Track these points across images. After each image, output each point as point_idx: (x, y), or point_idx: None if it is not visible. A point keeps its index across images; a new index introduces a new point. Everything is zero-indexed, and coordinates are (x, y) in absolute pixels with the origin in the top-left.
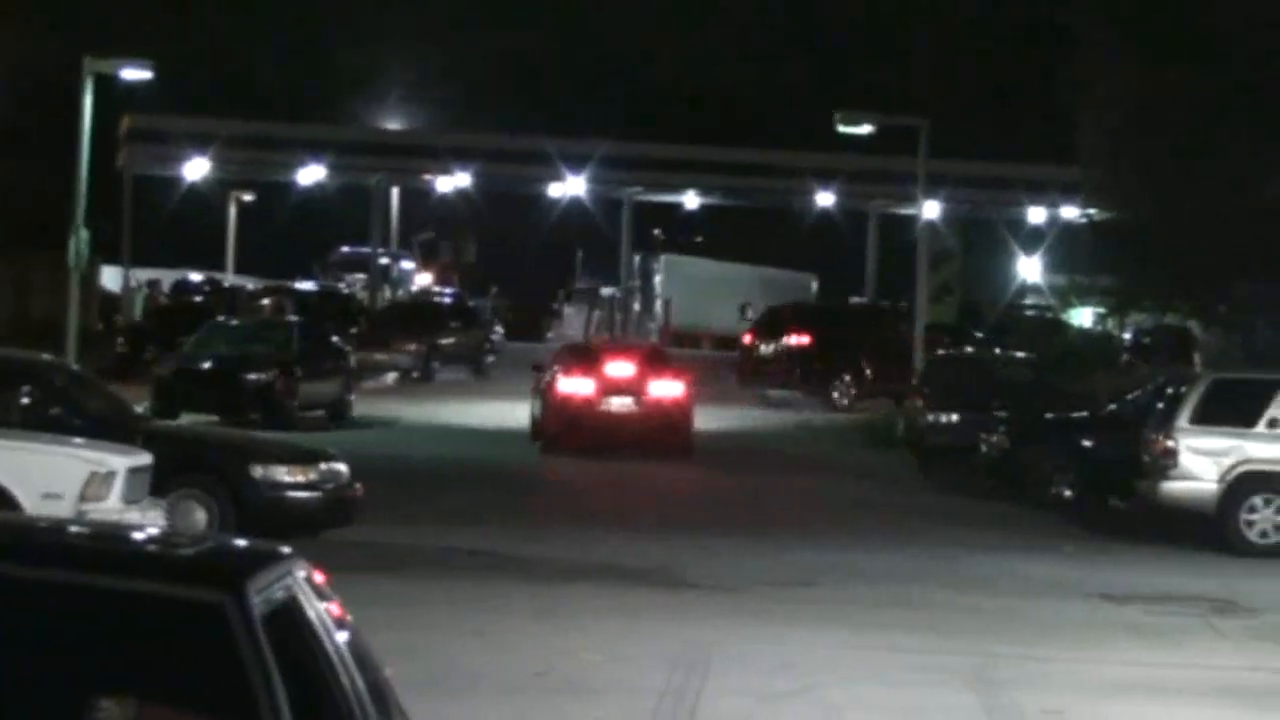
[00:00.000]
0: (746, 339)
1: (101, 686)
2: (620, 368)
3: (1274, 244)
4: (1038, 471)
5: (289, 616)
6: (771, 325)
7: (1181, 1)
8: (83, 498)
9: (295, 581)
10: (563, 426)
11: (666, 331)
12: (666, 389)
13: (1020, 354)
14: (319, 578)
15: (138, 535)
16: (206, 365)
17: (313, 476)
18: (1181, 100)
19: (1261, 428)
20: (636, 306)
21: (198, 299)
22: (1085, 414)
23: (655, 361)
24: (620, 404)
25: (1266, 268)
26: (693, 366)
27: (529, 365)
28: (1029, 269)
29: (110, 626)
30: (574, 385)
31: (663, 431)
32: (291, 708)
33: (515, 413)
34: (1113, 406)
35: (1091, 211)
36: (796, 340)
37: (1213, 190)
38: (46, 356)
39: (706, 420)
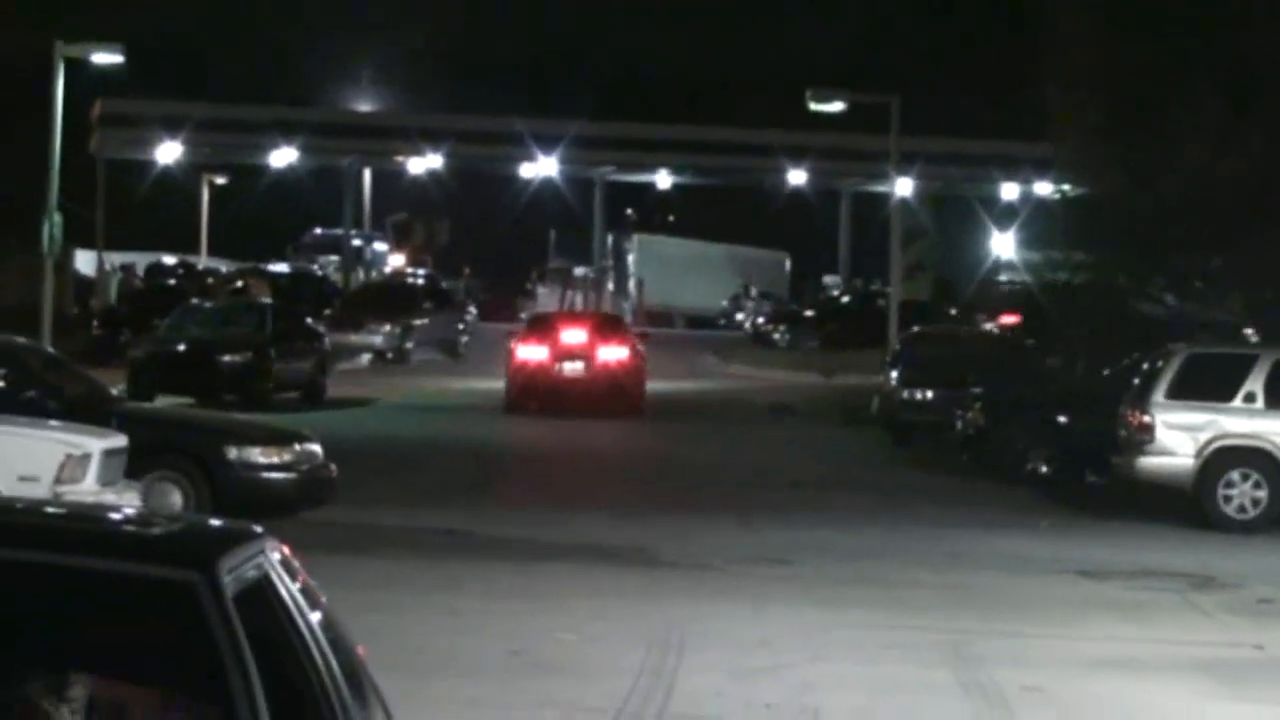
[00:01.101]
0: None
1: (73, 666)
2: (573, 335)
3: (1248, 217)
4: (1013, 448)
5: (261, 596)
6: None
7: None
8: (58, 480)
9: (268, 561)
10: (519, 390)
11: (640, 310)
12: (615, 354)
13: (994, 329)
14: (292, 558)
15: (110, 515)
16: (181, 348)
17: (287, 458)
18: (1151, 72)
19: (1238, 402)
20: (610, 286)
21: (171, 282)
22: (1061, 389)
23: (609, 330)
24: (571, 368)
25: (1241, 241)
26: (667, 343)
27: (503, 346)
28: (1003, 245)
29: (82, 606)
30: (530, 352)
31: (611, 394)
32: (264, 687)
33: (489, 393)
34: (1089, 381)
35: (1064, 187)
36: None
37: (1185, 163)
38: (21, 340)
39: (684, 398)
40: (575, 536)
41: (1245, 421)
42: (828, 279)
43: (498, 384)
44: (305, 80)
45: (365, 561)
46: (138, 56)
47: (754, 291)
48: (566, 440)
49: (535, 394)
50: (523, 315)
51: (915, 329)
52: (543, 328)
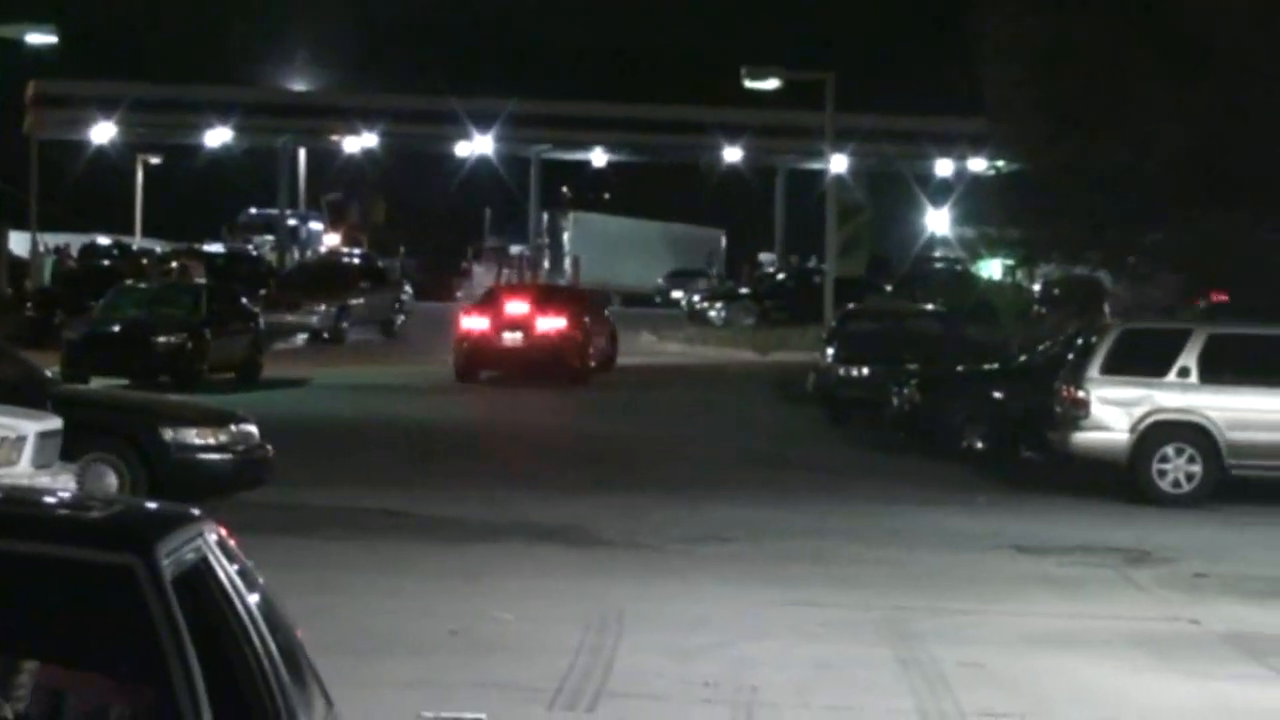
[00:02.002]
0: None
1: (11, 652)
2: (515, 306)
3: (1183, 193)
4: (949, 424)
5: (199, 579)
6: None
7: None
8: None
9: (206, 543)
10: (464, 359)
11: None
12: (554, 325)
13: (931, 307)
14: (230, 540)
15: (47, 499)
16: (116, 329)
17: (223, 439)
18: (1086, 46)
19: (1172, 377)
20: (546, 264)
21: (106, 263)
22: (996, 366)
23: (563, 302)
24: (511, 338)
25: (1176, 217)
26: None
27: (439, 325)
28: (938, 222)
29: (18, 591)
30: (473, 322)
31: (551, 363)
32: (203, 670)
33: (426, 372)
34: (1023, 358)
35: (999, 163)
36: None
37: (1120, 139)
38: None
39: (623, 376)
40: (514, 515)
41: (1179, 396)
42: (764, 256)
43: (434, 363)
44: (240, 60)
45: (303, 542)
46: (71, 37)
47: (715, 269)
48: (505, 418)
49: (478, 363)
50: (459, 294)
51: (851, 306)
52: (492, 299)
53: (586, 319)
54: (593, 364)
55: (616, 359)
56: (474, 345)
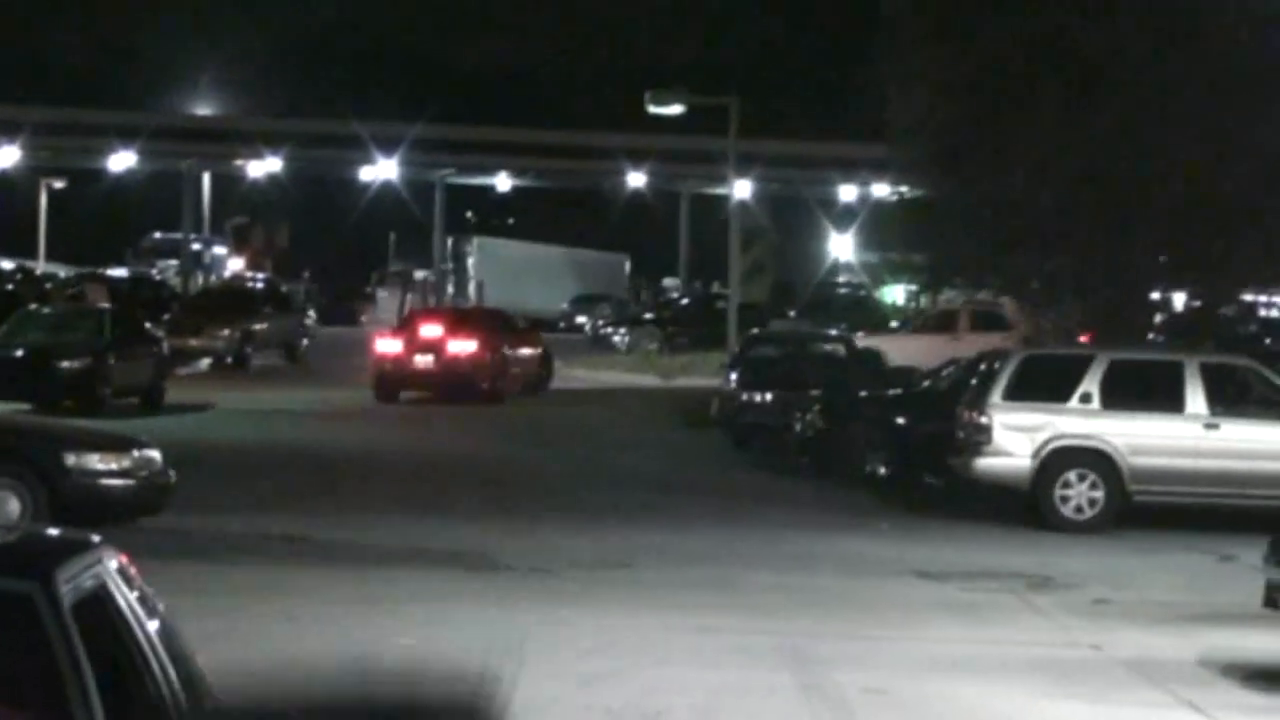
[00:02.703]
0: None
1: None
2: (428, 329)
3: (1083, 218)
4: (852, 449)
5: (99, 605)
6: None
7: None
8: None
9: (105, 570)
10: (377, 381)
11: None
12: (463, 347)
13: (834, 332)
14: (130, 566)
15: None
16: (18, 353)
17: (126, 464)
18: (987, 71)
19: (1074, 403)
20: (450, 289)
21: (9, 287)
22: (899, 391)
23: (468, 324)
24: (423, 360)
25: (1077, 241)
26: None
27: (343, 350)
28: (841, 247)
29: None
30: (388, 345)
31: (461, 385)
32: (102, 696)
33: (330, 398)
34: (926, 383)
35: (902, 189)
36: None
37: (1019, 165)
38: None
39: (529, 401)
40: (416, 541)
41: (1081, 422)
42: (667, 281)
43: (339, 388)
44: (144, 83)
45: (204, 568)
46: None
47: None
48: (409, 442)
49: (393, 385)
50: (363, 319)
51: (754, 331)
52: (409, 322)
53: (503, 342)
54: (518, 387)
55: (550, 382)
56: (389, 368)
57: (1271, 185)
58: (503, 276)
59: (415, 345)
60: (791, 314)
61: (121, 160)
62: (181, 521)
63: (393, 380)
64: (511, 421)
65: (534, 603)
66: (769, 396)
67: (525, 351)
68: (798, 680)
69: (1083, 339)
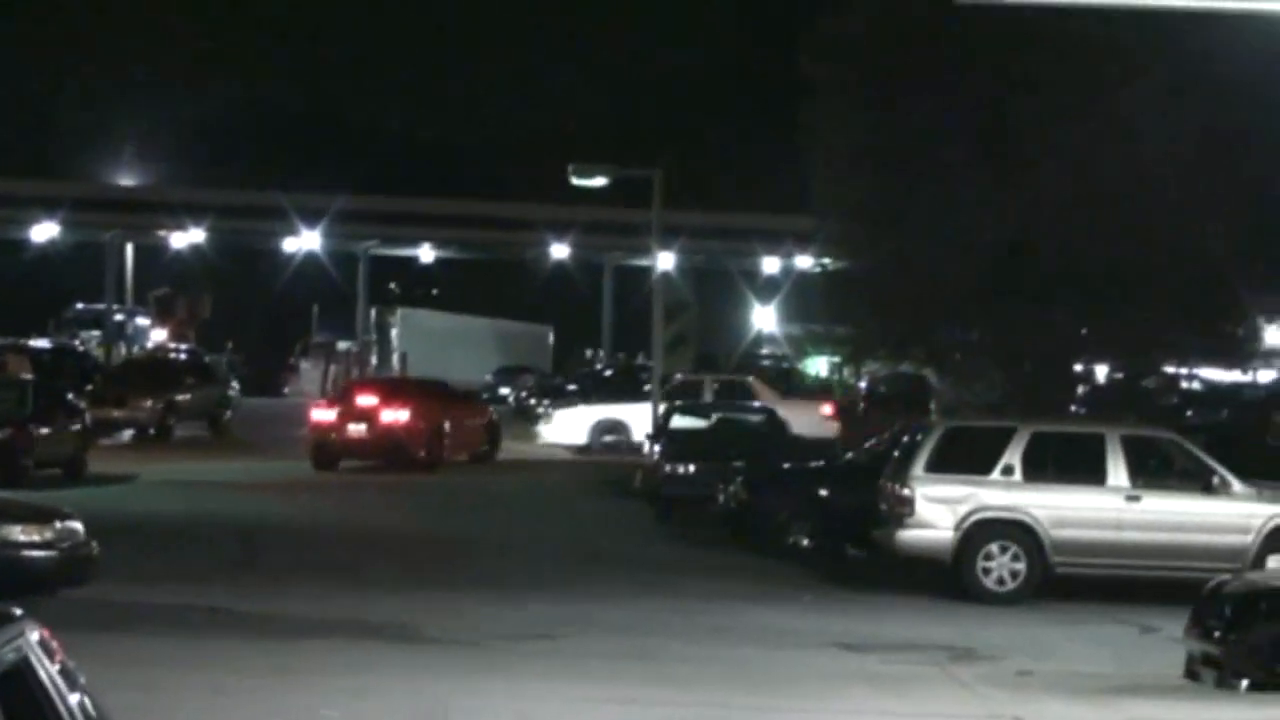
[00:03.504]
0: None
1: None
2: (362, 398)
3: (1005, 288)
4: (776, 521)
5: (20, 679)
6: None
7: (908, 39)
8: None
9: (27, 643)
10: (313, 450)
11: None
12: (396, 416)
13: (758, 404)
14: (52, 639)
15: None
16: None
17: (48, 535)
18: (908, 143)
19: (996, 475)
20: (374, 360)
21: None
22: (822, 463)
23: (402, 393)
24: (356, 429)
25: (999, 313)
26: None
27: (266, 420)
28: (764, 319)
29: None
30: (322, 414)
31: (394, 453)
32: None
33: (254, 469)
34: (850, 455)
35: (825, 260)
36: None
37: (942, 235)
38: None
39: (459, 470)
40: (338, 612)
41: (1003, 494)
42: (590, 352)
43: (263, 459)
44: (65, 152)
45: (126, 640)
46: None
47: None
48: (335, 513)
49: (328, 454)
50: (286, 390)
51: (678, 403)
52: (346, 392)
53: (441, 411)
54: (463, 456)
55: (497, 452)
56: (322, 436)
57: (1191, 258)
58: (426, 347)
59: (350, 414)
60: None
61: (44, 231)
62: (104, 593)
63: (328, 449)
64: (440, 491)
65: (455, 674)
66: (693, 468)
67: (468, 421)
68: None
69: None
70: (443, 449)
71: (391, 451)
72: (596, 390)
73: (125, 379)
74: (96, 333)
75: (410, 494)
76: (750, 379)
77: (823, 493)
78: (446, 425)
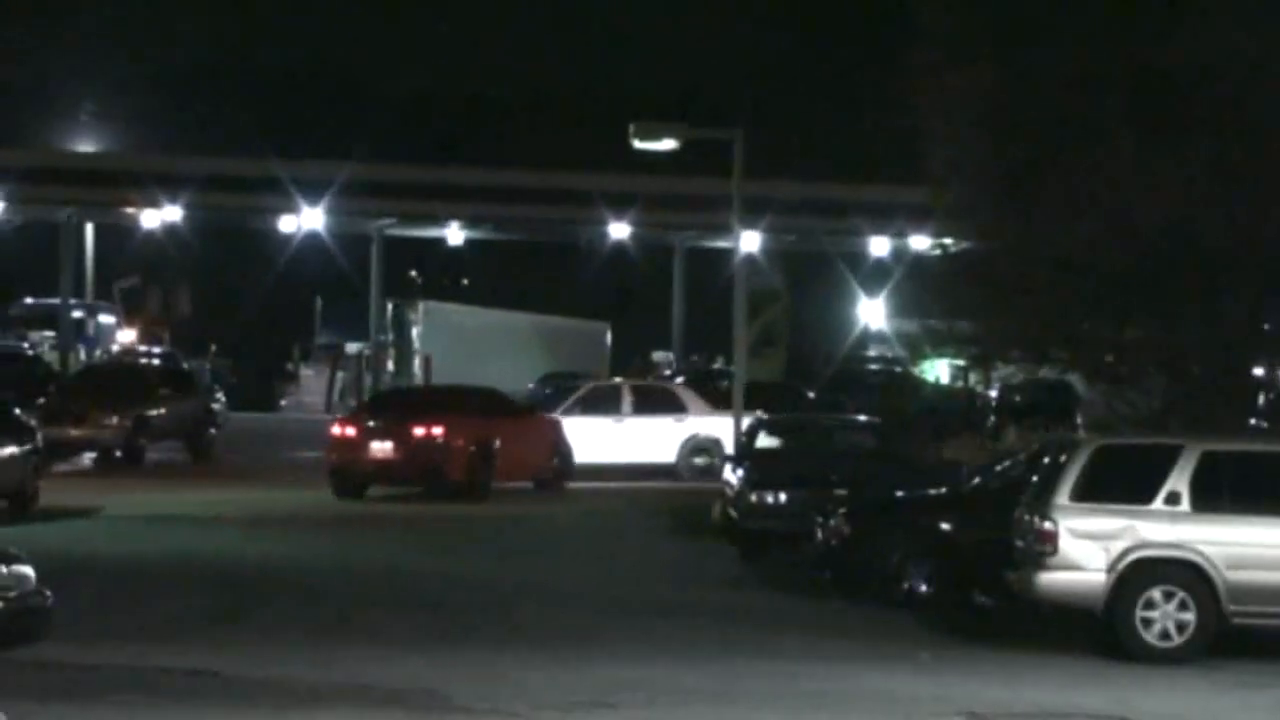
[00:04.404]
0: None
1: None
2: (391, 410)
3: (1167, 278)
4: (886, 562)
5: None
6: None
7: None
8: None
9: None
10: (331, 474)
11: None
12: (428, 431)
13: (863, 418)
14: None
15: None
16: None
17: None
18: (1050, 100)
19: (1159, 504)
20: (390, 365)
21: None
22: (944, 491)
23: (441, 404)
24: (380, 448)
25: (1159, 306)
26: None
27: (260, 441)
28: (872, 313)
29: None
30: (342, 430)
31: (427, 477)
32: None
33: (244, 501)
34: (977, 481)
35: (946, 241)
36: None
37: (1094, 212)
38: None
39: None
40: (346, 676)
41: (1168, 528)
42: (658, 355)
43: (255, 488)
44: (15, 117)
45: (86, 711)
46: None
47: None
48: (342, 553)
49: (347, 478)
50: (283, 403)
51: (765, 416)
52: (376, 403)
53: (486, 426)
54: (524, 479)
55: (569, 477)
56: (340, 458)
57: None
58: (454, 349)
59: (375, 430)
60: (811, 395)
61: None
62: (61, 652)
63: (350, 473)
64: (479, 525)
65: None
66: (783, 497)
67: (529, 439)
68: None
69: None
70: (489, 472)
71: (425, 475)
72: None
73: (85, 390)
74: (50, 333)
75: (441, 529)
76: (676, 385)
77: (945, 527)
78: (496, 444)
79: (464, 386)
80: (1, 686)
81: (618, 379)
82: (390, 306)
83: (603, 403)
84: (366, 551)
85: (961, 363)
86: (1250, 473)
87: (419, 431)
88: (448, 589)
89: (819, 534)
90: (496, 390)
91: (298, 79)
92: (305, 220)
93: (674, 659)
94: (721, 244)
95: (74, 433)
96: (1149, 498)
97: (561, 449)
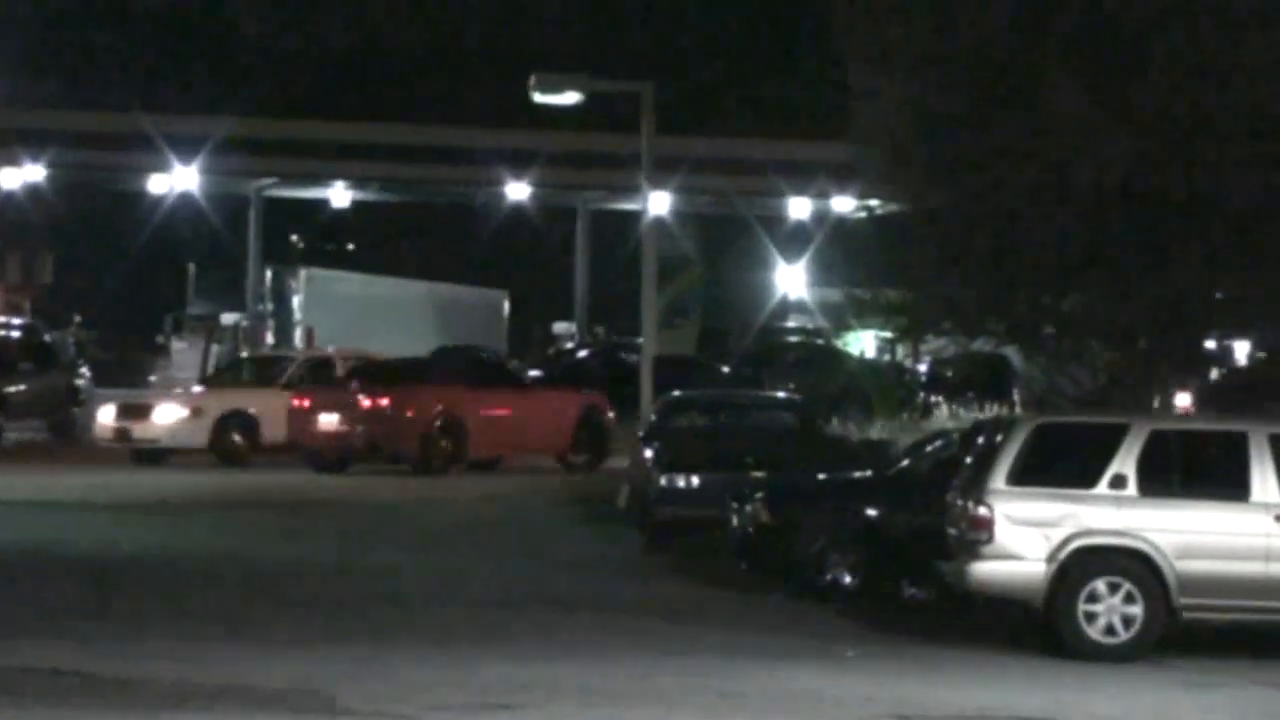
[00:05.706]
0: None
1: None
2: (346, 379)
3: (1113, 242)
4: (807, 551)
5: None
6: None
7: None
8: None
9: None
10: (292, 440)
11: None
12: (380, 401)
13: (783, 394)
14: None
15: None
16: None
17: None
18: (985, 47)
19: (1103, 488)
20: (270, 337)
21: None
22: (870, 473)
23: (412, 373)
24: (326, 420)
25: (1106, 274)
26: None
27: None
28: (791, 281)
29: None
30: (299, 401)
31: (369, 450)
32: None
33: (113, 484)
34: (906, 463)
35: (872, 202)
36: None
37: (1034, 170)
38: None
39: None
40: (223, 674)
41: (1113, 514)
42: (559, 326)
43: (124, 471)
44: None
45: None
46: None
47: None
48: (219, 541)
49: (309, 450)
50: (153, 377)
51: (676, 394)
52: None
53: (456, 399)
54: (543, 458)
55: (604, 457)
56: (294, 430)
57: None
58: (338, 320)
59: (320, 400)
60: (725, 370)
61: None
62: None
63: (306, 443)
64: (377, 511)
65: None
66: (696, 481)
67: (526, 415)
68: None
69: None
70: (461, 449)
71: (370, 451)
72: (566, 379)
73: None
74: None
75: (332, 513)
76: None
77: (871, 513)
78: (469, 419)
79: (463, 355)
80: None
81: None
82: (269, 274)
83: None
84: (246, 538)
85: (889, 335)
86: (1203, 454)
87: (365, 404)
88: (334, 581)
89: (735, 520)
90: (503, 363)
91: (169, 26)
92: (178, 180)
93: (575, 657)
94: (629, 206)
95: None
96: (1092, 481)
97: (593, 426)
